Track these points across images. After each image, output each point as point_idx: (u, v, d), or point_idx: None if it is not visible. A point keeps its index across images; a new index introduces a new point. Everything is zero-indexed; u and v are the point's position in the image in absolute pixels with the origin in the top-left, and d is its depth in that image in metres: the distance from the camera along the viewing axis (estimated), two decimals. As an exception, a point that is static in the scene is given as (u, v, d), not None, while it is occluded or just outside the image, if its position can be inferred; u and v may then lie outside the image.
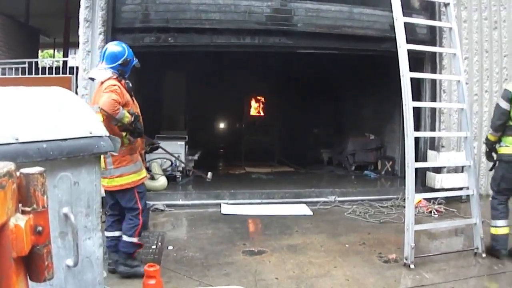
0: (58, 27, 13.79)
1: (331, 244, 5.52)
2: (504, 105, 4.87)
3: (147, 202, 5.24)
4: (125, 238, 4.44)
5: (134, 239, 4.45)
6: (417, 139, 5.17)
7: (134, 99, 4.58)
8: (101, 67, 4.52)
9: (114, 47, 4.60)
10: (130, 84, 4.58)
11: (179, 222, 6.53)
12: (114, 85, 4.33)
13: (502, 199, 5.03)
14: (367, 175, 10.11)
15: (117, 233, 4.54)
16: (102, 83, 4.45)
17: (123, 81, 4.50)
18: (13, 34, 12.39)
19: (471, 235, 5.21)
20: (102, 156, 4.22)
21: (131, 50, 4.62)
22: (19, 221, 0.98)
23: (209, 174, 5.64)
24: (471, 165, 5.10)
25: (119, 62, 4.48)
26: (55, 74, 9.81)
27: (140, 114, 4.55)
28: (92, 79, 4.69)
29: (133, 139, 4.45)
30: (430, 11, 8.05)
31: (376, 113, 11.04)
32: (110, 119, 4.17)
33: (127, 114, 4.29)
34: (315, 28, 7.65)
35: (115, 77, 4.44)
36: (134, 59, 4.62)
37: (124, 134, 4.33)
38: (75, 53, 14.24)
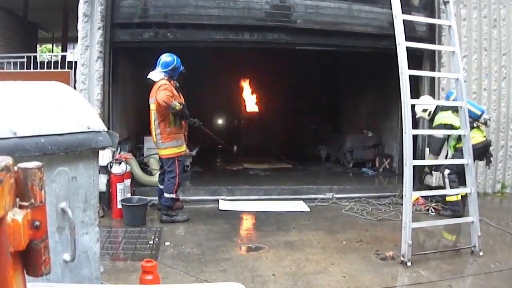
0: (56, 22, 13.74)
1: (328, 241, 5.53)
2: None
3: (145, 197, 6.40)
4: (166, 194, 6.12)
5: (173, 195, 6.12)
6: (415, 137, 5.17)
7: (180, 94, 6.23)
8: (157, 71, 6.17)
9: (166, 57, 6.21)
10: (177, 84, 6.26)
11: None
12: (166, 84, 5.98)
13: (457, 174, 6.32)
14: (365, 172, 10.12)
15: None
16: (156, 82, 6.08)
17: (172, 81, 6.14)
18: (11, 28, 12.36)
19: (468, 233, 5.23)
20: (154, 132, 6.21)
21: (179, 59, 6.23)
22: (17, 215, 0.98)
23: (235, 148, 7.94)
24: (469, 164, 5.11)
25: (170, 68, 6.14)
26: (54, 68, 9.80)
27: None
28: (151, 80, 6.18)
29: (179, 122, 6.12)
30: (430, 8, 8.04)
31: (375, 111, 11.04)
32: (167, 108, 5.86)
33: (177, 104, 5.87)
34: (314, 24, 7.64)
35: (166, 78, 6.09)
36: (181, 66, 6.26)
37: (172, 118, 6.06)
38: (73, 48, 14.27)
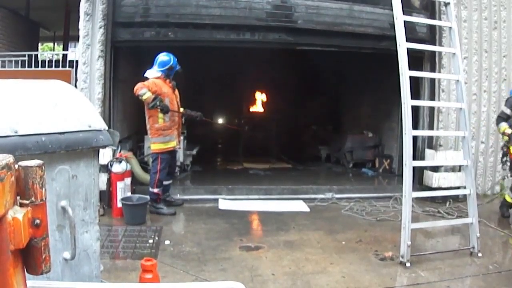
0: (58, 21, 13.74)
1: (327, 241, 5.54)
2: None
3: (146, 196, 6.40)
4: (150, 188, 6.48)
5: (154, 190, 6.45)
6: (415, 138, 5.17)
7: (176, 93, 6.63)
8: (154, 70, 6.50)
9: (163, 57, 6.51)
10: (174, 83, 6.62)
11: (176, 216, 6.54)
12: (151, 80, 6.34)
13: None
14: (365, 172, 10.12)
15: (166, 182, 6.74)
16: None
17: (167, 80, 6.51)
18: (13, 27, 12.35)
19: (467, 234, 5.24)
20: (148, 128, 6.50)
21: (176, 59, 6.51)
22: (17, 214, 0.99)
23: (246, 128, 8.56)
24: (469, 165, 5.12)
25: (166, 67, 6.47)
26: (55, 67, 9.80)
27: (177, 100, 6.64)
28: (147, 78, 6.47)
29: (167, 118, 6.39)
30: (430, 10, 8.04)
31: (375, 111, 11.04)
32: (143, 101, 6.25)
33: (148, 95, 6.14)
34: (315, 25, 7.63)
35: (162, 77, 6.45)
36: (177, 66, 6.54)
37: (160, 115, 6.34)
38: (75, 47, 14.25)
